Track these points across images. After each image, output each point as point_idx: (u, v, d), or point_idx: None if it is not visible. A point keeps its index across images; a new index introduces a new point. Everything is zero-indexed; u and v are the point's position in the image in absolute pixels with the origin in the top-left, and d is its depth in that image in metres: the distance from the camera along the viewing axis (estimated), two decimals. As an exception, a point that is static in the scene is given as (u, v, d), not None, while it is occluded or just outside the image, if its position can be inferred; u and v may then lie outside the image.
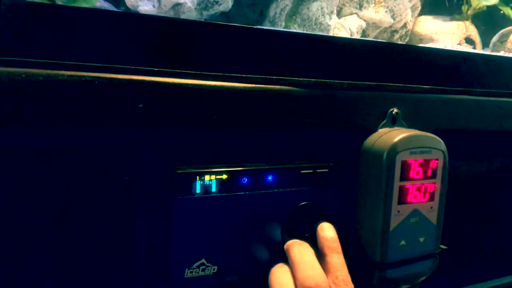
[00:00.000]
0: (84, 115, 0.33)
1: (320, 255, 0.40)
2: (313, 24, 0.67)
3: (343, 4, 0.80)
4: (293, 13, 0.67)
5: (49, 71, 0.32)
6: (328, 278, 0.38)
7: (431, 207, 0.44)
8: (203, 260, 0.41)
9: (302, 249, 0.40)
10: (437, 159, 0.44)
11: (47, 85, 0.32)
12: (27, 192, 0.35)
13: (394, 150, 0.41)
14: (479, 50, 0.93)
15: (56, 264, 0.36)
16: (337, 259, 0.39)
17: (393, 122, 0.46)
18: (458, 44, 0.90)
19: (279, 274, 0.39)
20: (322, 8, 0.67)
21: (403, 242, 0.43)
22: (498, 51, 0.90)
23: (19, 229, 0.35)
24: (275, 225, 0.43)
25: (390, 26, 0.84)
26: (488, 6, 0.93)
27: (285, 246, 0.41)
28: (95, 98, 0.33)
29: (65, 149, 0.35)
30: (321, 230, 0.41)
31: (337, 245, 0.40)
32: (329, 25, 0.68)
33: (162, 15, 0.59)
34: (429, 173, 0.43)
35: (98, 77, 0.33)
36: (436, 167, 0.44)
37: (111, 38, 0.36)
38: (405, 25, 0.87)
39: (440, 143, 0.44)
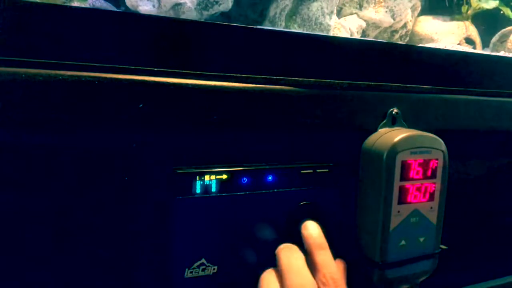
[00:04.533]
0: (84, 115, 0.33)
1: (308, 255, 0.39)
2: (313, 24, 0.67)
3: (343, 4, 0.80)
4: (293, 13, 0.67)
5: (49, 71, 0.32)
6: (316, 278, 0.38)
7: (431, 207, 0.44)
8: (203, 260, 0.41)
9: (290, 255, 0.39)
10: (437, 159, 0.44)
11: (47, 85, 0.32)
12: (26, 192, 0.35)
13: (394, 150, 0.41)
14: (479, 50, 0.93)
15: (56, 264, 0.36)
16: (323, 255, 0.38)
17: (393, 122, 0.46)
18: (458, 44, 0.90)
19: (268, 283, 0.38)
20: (322, 8, 0.67)
21: (403, 242, 0.43)
22: (498, 51, 0.90)
23: (19, 228, 0.35)
24: (274, 225, 0.43)
25: (390, 26, 0.84)
26: (488, 6, 0.93)
27: (276, 251, 0.40)
28: (95, 98, 0.33)
29: (65, 149, 0.35)
30: (304, 229, 0.41)
31: (322, 241, 0.40)
32: (329, 25, 0.68)
33: (162, 15, 0.58)
34: (429, 173, 0.43)
35: (98, 77, 0.33)
36: (436, 167, 0.44)
37: (111, 38, 0.36)
38: (405, 25, 0.87)
39: (440, 143, 0.44)
